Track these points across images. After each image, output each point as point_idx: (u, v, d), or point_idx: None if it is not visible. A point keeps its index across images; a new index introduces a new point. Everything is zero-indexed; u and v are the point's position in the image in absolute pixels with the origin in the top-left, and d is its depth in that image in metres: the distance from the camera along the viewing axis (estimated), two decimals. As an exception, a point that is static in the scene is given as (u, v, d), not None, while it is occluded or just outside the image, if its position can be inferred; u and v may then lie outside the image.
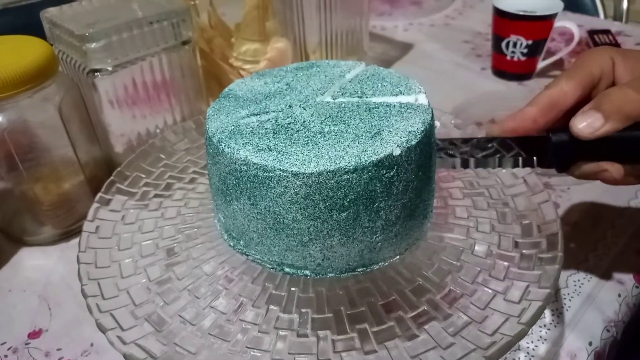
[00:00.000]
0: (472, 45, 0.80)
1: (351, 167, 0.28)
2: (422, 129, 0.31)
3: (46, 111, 0.43)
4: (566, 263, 0.43)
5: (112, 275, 0.33)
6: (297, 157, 0.29)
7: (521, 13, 0.64)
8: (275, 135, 0.31)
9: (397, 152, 0.29)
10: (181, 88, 0.53)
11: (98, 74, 0.46)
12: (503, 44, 0.67)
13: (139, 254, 0.35)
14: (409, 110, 0.33)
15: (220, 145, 0.31)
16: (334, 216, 0.29)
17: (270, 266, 0.33)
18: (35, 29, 0.47)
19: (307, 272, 0.32)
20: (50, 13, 0.48)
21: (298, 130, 0.31)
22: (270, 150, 0.30)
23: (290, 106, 0.34)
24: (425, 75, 0.72)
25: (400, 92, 0.35)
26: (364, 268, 0.33)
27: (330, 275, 0.32)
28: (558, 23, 0.65)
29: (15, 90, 0.39)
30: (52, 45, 0.46)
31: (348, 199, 0.29)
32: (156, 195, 0.40)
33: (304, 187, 0.29)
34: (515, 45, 0.66)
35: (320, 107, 0.33)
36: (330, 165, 0.28)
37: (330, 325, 0.31)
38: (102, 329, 0.29)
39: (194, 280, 0.33)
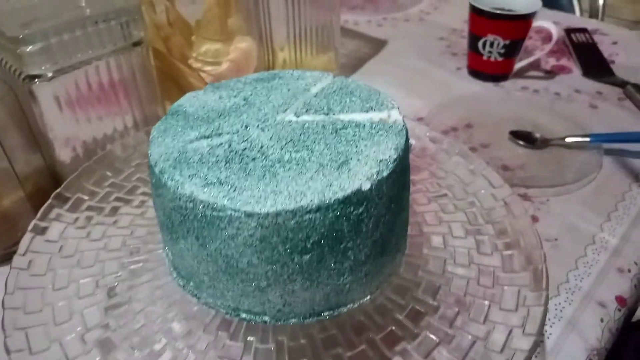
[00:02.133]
0: (447, 42, 0.77)
1: (314, 205, 0.25)
2: (395, 156, 0.27)
3: (-25, 122, 0.38)
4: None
5: (43, 322, 0.29)
6: (251, 192, 0.25)
7: (499, 12, 0.61)
8: (227, 165, 0.27)
9: (366, 186, 0.26)
10: (132, 93, 0.48)
11: (36, 80, 0.41)
12: (480, 44, 0.64)
13: (76, 295, 0.31)
14: (380, 132, 0.29)
15: (163, 176, 0.27)
16: (295, 259, 0.26)
17: (224, 311, 0.29)
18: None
19: (267, 317, 0.29)
20: (-20, 10, 0.42)
21: (254, 158, 0.27)
22: (221, 184, 0.26)
23: (246, 127, 0.30)
24: (400, 73, 0.68)
25: (371, 108, 0.31)
26: (331, 311, 0.29)
27: (293, 320, 0.29)
28: (536, 23, 0.62)
29: None
30: (-18, 47, 0.40)
31: (311, 241, 0.25)
32: (99, 223, 0.36)
33: (260, 228, 0.25)
34: (492, 45, 0.63)
35: (280, 128, 0.30)
36: (290, 204, 0.25)
37: (293, 380, 0.28)
38: (26, 394, 0.25)
39: (137, 328, 0.29)
